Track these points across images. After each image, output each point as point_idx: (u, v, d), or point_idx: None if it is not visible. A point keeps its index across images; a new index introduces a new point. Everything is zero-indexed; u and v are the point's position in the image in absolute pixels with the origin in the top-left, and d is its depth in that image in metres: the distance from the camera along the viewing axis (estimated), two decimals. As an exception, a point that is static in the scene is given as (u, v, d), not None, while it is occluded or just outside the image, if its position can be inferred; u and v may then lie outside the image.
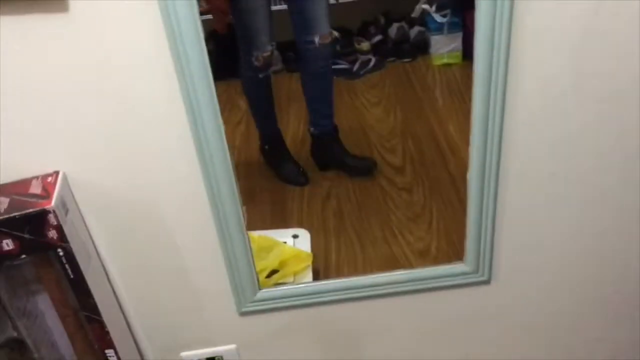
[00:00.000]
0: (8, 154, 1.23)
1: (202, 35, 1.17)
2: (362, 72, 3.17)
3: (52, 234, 1.16)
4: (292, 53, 2.43)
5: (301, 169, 2.44)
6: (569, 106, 1.31)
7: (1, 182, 1.24)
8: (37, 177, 1.23)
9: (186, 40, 1.15)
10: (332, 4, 2.39)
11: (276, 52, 2.23)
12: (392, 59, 3.19)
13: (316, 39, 2.17)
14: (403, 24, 3.19)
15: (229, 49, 3.24)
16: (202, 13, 1.16)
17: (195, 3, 1.14)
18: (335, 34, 2.24)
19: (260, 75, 2.27)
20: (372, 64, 3.19)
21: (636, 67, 1.25)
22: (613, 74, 1.26)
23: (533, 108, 1.30)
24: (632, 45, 1.22)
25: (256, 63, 2.20)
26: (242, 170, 2.52)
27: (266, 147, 2.52)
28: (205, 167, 1.31)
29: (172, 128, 1.27)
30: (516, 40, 1.20)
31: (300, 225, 2.19)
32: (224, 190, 1.36)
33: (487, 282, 1.60)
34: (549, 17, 1.18)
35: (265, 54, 2.17)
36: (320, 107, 2.47)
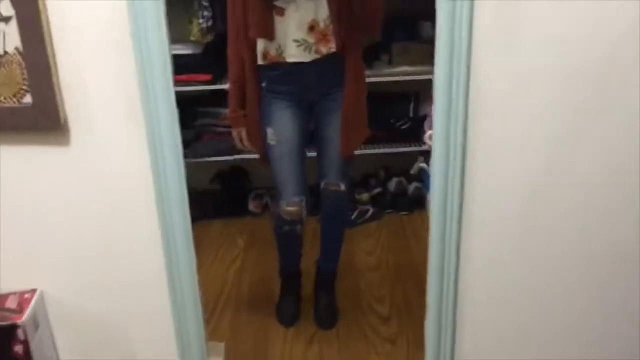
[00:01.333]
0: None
1: (184, 184, 1.30)
2: (359, 221, 3.30)
3: (18, 348, 1.22)
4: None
5: (295, 312, 2.47)
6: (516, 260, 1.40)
7: (-18, 295, 1.33)
8: (15, 293, 1.32)
9: (171, 186, 1.28)
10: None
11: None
12: (389, 210, 3.35)
13: (324, 185, 2.27)
14: (402, 179, 3.38)
15: (234, 189, 3.44)
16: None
17: (181, 160, 1.29)
18: (342, 188, 2.27)
19: (287, 228, 2.29)
20: (369, 214, 3.32)
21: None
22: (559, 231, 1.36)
23: (485, 258, 1.40)
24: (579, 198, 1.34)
25: (284, 216, 2.24)
26: (231, 305, 2.59)
27: (281, 280, 2.57)
28: (175, 302, 1.39)
29: (148, 262, 1.37)
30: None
31: (280, 365, 2.19)
32: (192, 328, 1.42)
33: None
34: (500, 176, 1.31)
35: (291, 208, 2.20)
36: (327, 250, 2.52)
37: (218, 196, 3.29)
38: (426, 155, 3.14)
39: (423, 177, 3.33)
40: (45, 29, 1.14)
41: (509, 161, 1.31)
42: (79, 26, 1.17)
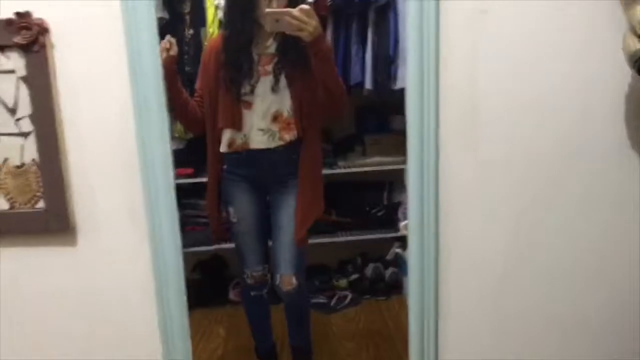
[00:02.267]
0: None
1: (182, 281, 1.41)
2: (338, 307, 3.34)
3: None
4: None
5: None
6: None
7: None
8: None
9: (170, 282, 1.39)
10: (312, 243, 2.63)
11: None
12: (367, 296, 3.39)
13: (280, 279, 2.28)
14: (379, 264, 3.46)
15: (214, 277, 3.49)
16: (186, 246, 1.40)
17: (181, 260, 1.39)
18: (294, 282, 2.28)
19: (252, 294, 2.41)
20: (348, 299, 3.37)
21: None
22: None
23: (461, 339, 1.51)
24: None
25: (248, 281, 2.36)
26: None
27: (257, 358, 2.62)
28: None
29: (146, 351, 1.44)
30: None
31: None
32: None
33: None
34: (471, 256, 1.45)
35: (255, 273, 2.34)
36: (294, 329, 2.57)
37: (199, 285, 3.33)
38: (402, 241, 3.24)
39: (399, 262, 3.42)
40: (60, 143, 1.26)
41: (479, 241, 1.45)
42: (90, 142, 1.30)
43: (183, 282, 1.39)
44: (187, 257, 3.21)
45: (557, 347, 1.54)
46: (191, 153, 3.10)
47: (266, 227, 2.35)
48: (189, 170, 3.16)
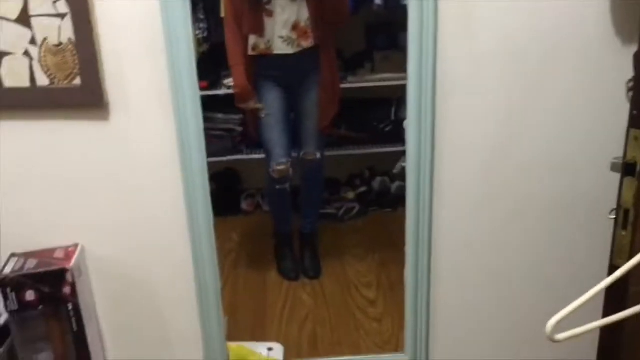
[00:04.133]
0: (44, 228, 1.56)
1: (204, 159, 1.57)
2: (346, 218, 3.51)
3: (67, 289, 1.45)
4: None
5: (296, 267, 2.87)
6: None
7: (34, 249, 1.55)
8: (62, 247, 1.55)
9: (194, 160, 1.55)
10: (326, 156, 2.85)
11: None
12: (374, 208, 3.56)
13: (303, 155, 2.71)
14: (386, 178, 3.61)
15: (228, 189, 3.66)
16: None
17: (202, 138, 1.54)
18: (318, 156, 2.73)
19: (277, 187, 2.68)
20: (355, 211, 3.54)
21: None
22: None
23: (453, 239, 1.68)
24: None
25: (273, 174, 2.63)
26: (230, 288, 2.79)
27: (276, 241, 3.00)
28: (196, 259, 1.64)
29: (172, 225, 1.61)
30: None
31: (277, 340, 2.41)
32: (210, 281, 1.67)
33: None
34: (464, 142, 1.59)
35: (280, 167, 2.60)
36: (306, 210, 2.95)
37: (213, 196, 3.50)
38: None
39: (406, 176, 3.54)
40: (94, 24, 1.39)
41: (472, 130, 1.59)
42: (121, 24, 1.42)
43: (204, 156, 1.55)
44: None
45: (537, 224, 1.70)
46: (204, 66, 3.21)
47: (291, 122, 2.68)
48: (203, 84, 3.26)
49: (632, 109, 0.99)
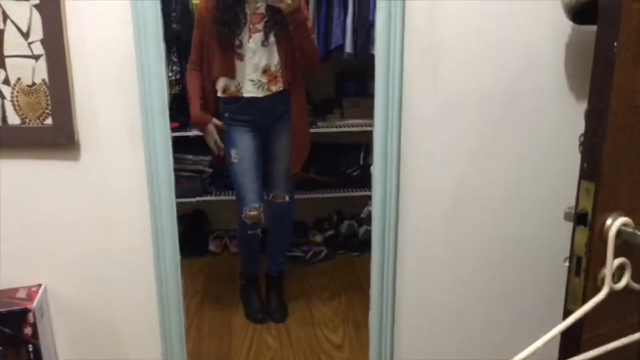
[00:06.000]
0: (6, 267, 1.55)
1: (172, 192, 1.58)
2: (314, 261, 3.53)
3: (28, 330, 1.43)
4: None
5: (262, 310, 2.86)
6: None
7: (-4, 289, 1.53)
8: (24, 287, 1.53)
9: (162, 197, 1.56)
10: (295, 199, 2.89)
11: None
12: (342, 251, 3.58)
13: (272, 197, 2.73)
14: (353, 222, 3.65)
15: (195, 230, 3.65)
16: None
17: (171, 173, 1.56)
18: (286, 198, 2.75)
19: (249, 232, 2.68)
20: (323, 254, 3.56)
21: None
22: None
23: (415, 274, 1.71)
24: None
25: (245, 219, 2.62)
26: (194, 332, 2.76)
27: (243, 283, 2.98)
28: (160, 296, 1.63)
29: (138, 264, 1.61)
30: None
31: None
32: (174, 320, 1.66)
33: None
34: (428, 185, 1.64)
35: (252, 213, 2.60)
36: (274, 253, 2.94)
37: (180, 236, 3.49)
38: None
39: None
40: (67, 65, 1.42)
41: (435, 175, 1.64)
42: (94, 64, 1.45)
43: (173, 193, 1.56)
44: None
45: (497, 268, 1.75)
46: (175, 108, 3.24)
47: (262, 167, 2.69)
48: (174, 125, 3.29)
49: (582, 162, 1.05)
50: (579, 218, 1.07)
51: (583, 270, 1.06)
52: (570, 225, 1.09)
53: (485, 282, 1.76)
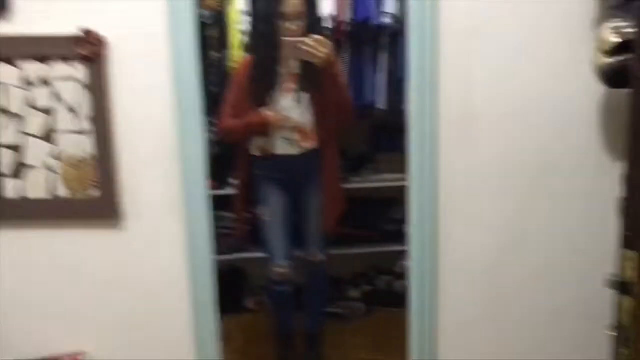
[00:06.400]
0: (52, 334, 1.59)
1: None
2: (352, 318, 3.51)
3: (73, 401, 1.46)
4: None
5: None
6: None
7: (42, 357, 1.56)
8: (68, 354, 1.57)
9: (202, 266, 1.60)
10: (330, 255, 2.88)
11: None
12: (379, 307, 3.59)
13: (305, 255, 2.73)
14: (390, 277, 3.59)
15: (232, 287, 3.63)
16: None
17: (211, 236, 1.59)
18: (320, 257, 2.73)
19: (278, 288, 2.67)
20: (362, 310, 3.52)
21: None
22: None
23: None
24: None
25: (275, 278, 2.62)
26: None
27: (277, 342, 2.92)
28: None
29: (176, 327, 1.64)
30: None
31: None
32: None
33: None
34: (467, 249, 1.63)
35: (280, 270, 2.59)
36: (310, 311, 2.90)
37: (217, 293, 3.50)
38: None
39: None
40: (113, 141, 1.48)
41: (472, 237, 1.63)
42: (138, 142, 1.52)
43: (213, 263, 1.59)
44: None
45: (536, 331, 1.72)
46: (213, 168, 3.30)
47: (294, 224, 2.70)
48: (212, 184, 3.35)
49: (625, 231, 1.04)
50: (622, 288, 1.05)
51: (632, 342, 1.03)
52: (608, 290, 1.07)
53: (524, 346, 1.73)
